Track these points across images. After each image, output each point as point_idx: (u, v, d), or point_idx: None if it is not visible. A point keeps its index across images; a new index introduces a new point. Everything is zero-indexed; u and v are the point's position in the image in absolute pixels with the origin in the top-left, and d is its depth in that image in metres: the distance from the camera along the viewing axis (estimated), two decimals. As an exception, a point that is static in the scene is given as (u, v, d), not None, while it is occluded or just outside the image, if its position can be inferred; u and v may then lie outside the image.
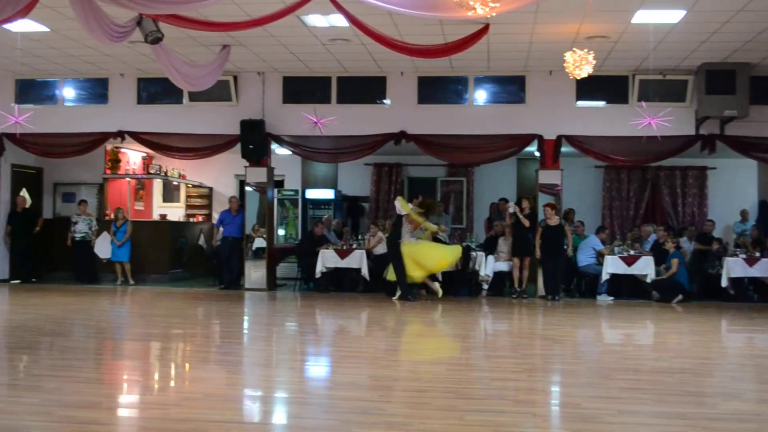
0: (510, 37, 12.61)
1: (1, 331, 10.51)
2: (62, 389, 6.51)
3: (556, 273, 14.42)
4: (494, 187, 18.89)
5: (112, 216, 16.94)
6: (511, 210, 14.95)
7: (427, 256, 13.98)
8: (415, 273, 13.93)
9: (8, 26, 11.34)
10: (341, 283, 15.62)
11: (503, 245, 14.92)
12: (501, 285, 15.12)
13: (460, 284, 14.99)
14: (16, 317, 11.66)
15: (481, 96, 15.51)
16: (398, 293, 13.95)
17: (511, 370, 7.86)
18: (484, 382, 7.36)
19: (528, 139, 15.17)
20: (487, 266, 14.79)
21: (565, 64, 11.28)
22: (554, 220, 14.32)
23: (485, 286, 14.86)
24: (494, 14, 8.00)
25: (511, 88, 15.47)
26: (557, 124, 15.00)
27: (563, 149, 15.16)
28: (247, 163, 15.73)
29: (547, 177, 15.15)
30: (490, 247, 15.17)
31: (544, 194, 15.10)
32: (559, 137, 14.99)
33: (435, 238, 14.73)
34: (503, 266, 14.89)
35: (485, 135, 15.22)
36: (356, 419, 5.74)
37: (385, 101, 15.53)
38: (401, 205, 14.13)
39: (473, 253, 14.85)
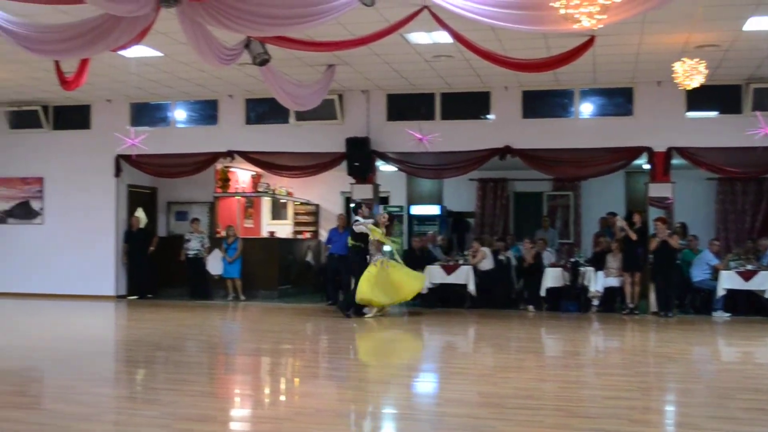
0: (616, 48, 12.38)
1: (121, 345, 10.90)
2: (179, 402, 6.70)
3: (668, 288, 14.03)
4: (602, 201, 18.52)
5: (223, 233, 17.37)
6: (619, 224, 14.65)
7: (395, 285, 13.60)
8: (380, 299, 13.52)
9: (123, 52, 11.78)
10: (448, 299, 15.57)
11: (612, 260, 14.61)
12: (611, 301, 14.80)
13: (568, 300, 14.76)
14: (134, 332, 12.06)
15: (587, 109, 15.27)
16: (370, 311, 13.68)
17: (624, 388, 7.67)
18: (596, 400, 7.21)
19: (637, 151, 14.84)
20: (597, 282, 14.51)
21: (674, 75, 11.00)
22: (665, 235, 13.95)
23: (595, 302, 14.58)
24: (601, 26, 7.86)
25: (618, 100, 15.17)
26: (667, 136, 14.62)
27: (674, 161, 14.76)
28: (353, 180, 15.88)
29: (657, 190, 14.77)
30: (598, 263, 14.87)
31: (655, 208, 14.73)
32: (670, 149, 14.60)
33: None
34: (613, 282, 14.58)
35: (592, 148, 14.96)
36: (467, 436, 5.70)
37: (489, 116, 15.46)
38: (373, 233, 13.79)
39: (582, 269, 14.60)
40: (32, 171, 17.35)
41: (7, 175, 17.46)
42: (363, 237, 13.88)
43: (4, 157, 17.44)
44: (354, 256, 14.01)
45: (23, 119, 17.16)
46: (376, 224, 13.85)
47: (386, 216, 14.54)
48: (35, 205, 17.34)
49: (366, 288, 13.38)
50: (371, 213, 14.37)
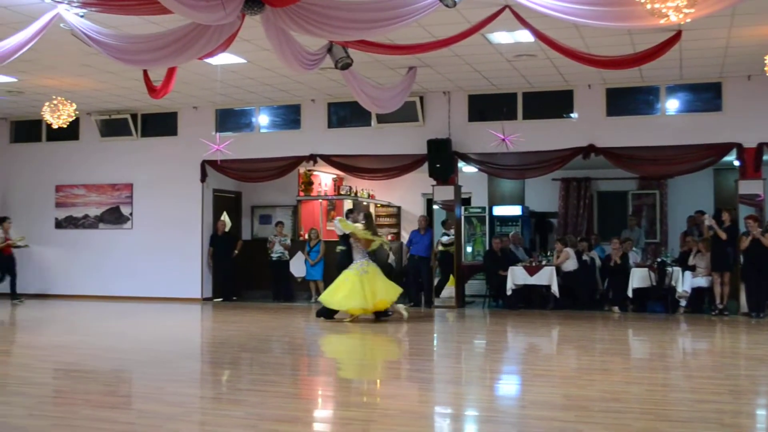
0: (704, 42, 12.07)
1: (207, 347, 11.12)
2: (265, 403, 6.80)
3: (760, 289, 13.62)
4: (689, 199, 18.08)
5: (306, 236, 17.56)
6: (707, 223, 14.28)
7: (370, 293, 12.96)
8: (351, 305, 12.96)
9: (209, 60, 12.04)
10: (531, 300, 15.43)
11: (701, 260, 14.25)
12: (700, 301, 14.44)
13: (655, 301, 14.46)
14: (220, 333, 12.30)
15: (673, 105, 14.92)
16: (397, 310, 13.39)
17: (714, 391, 7.48)
18: (685, 403, 7.04)
19: (726, 148, 14.43)
20: (685, 282, 14.17)
21: (766, 68, 10.68)
22: (757, 233, 13.53)
23: (683, 303, 14.24)
24: (688, 20, 7.69)
25: (705, 95, 14.77)
26: (758, 132, 14.17)
27: (765, 158, 14.32)
28: (435, 182, 15.88)
29: (747, 187, 14.33)
30: (686, 262, 14.52)
31: (745, 206, 14.31)
32: (761, 145, 14.15)
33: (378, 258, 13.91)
34: (701, 282, 14.22)
35: (679, 146, 14.61)
36: (552, 439, 5.64)
37: (572, 115, 15.26)
38: (342, 225, 13.57)
39: (669, 269, 14.29)
40: (122, 177, 17.86)
41: (99, 181, 18.02)
42: (346, 239, 13.67)
43: (95, 164, 18.01)
44: (341, 259, 13.82)
45: (113, 127, 17.69)
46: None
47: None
48: (125, 210, 17.84)
49: (340, 295, 13.02)
50: (364, 216, 13.97)
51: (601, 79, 14.57)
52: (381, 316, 13.35)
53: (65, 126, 14.02)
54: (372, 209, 20.80)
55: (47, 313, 15.03)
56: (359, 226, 13.42)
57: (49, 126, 14.38)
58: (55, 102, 13.52)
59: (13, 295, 16.74)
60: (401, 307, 13.60)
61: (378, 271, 13.33)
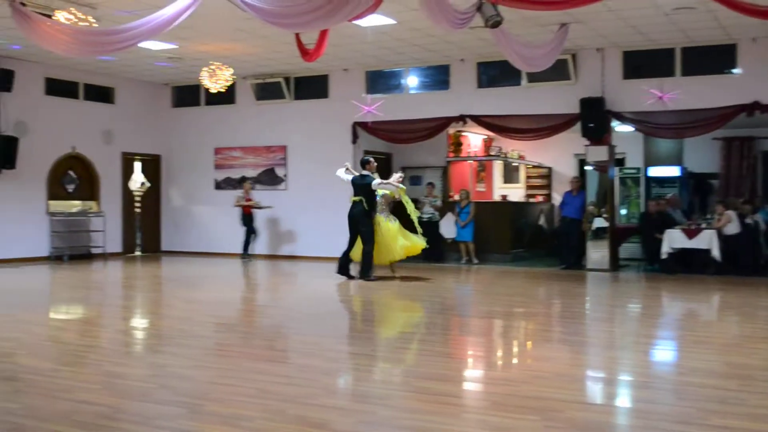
0: None
1: (360, 306, 11.34)
2: (417, 362, 6.88)
3: None
4: None
5: (456, 197, 17.56)
6: None
7: (394, 243, 13.29)
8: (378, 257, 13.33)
9: (359, 22, 12.12)
10: (689, 264, 14.86)
11: None
12: None
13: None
14: (373, 293, 12.49)
15: None
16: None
17: None
18: None
19: None
20: None
21: None
22: None
23: None
24: None
25: None
26: None
27: None
28: (587, 142, 15.49)
29: None
30: None
31: None
32: None
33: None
34: None
35: None
36: (714, 408, 5.43)
37: (734, 70, 14.48)
38: (402, 193, 13.47)
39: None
40: (276, 139, 18.37)
41: (254, 143, 18.61)
42: (369, 193, 13.33)
43: (251, 127, 18.60)
44: (363, 217, 13.31)
45: (267, 91, 18.19)
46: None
47: (401, 176, 13.99)
48: (279, 171, 18.36)
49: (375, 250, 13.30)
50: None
51: (766, 32, 13.74)
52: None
53: (223, 90, 14.54)
54: (522, 170, 20.58)
55: (208, 271, 15.71)
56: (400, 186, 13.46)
57: (207, 90, 14.96)
58: (212, 67, 14.02)
59: (244, 254, 17.56)
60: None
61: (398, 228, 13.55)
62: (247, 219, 17.61)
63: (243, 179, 18.22)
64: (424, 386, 5.95)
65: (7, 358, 7.14)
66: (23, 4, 9.53)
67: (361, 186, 13.36)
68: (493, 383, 6.40)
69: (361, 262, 13.41)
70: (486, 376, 6.75)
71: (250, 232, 17.66)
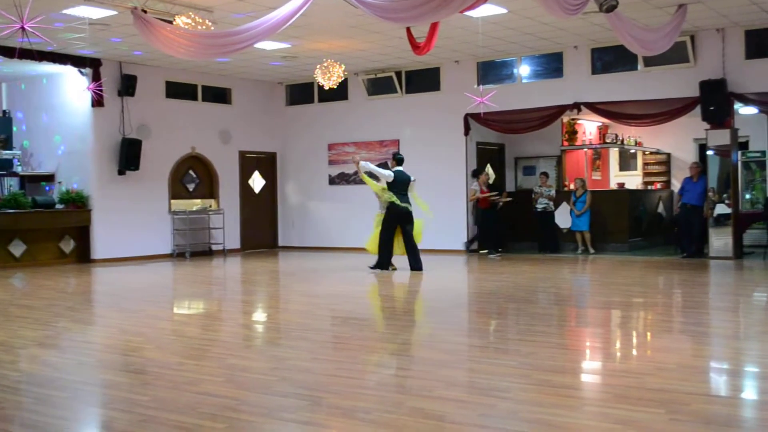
0: None
1: (474, 297, 11.32)
2: (536, 354, 6.80)
3: None
4: None
5: (572, 186, 17.28)
6: None
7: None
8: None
9: (470, 13, 12.06)
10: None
11: None
12: None
13: None
14: (486, 284, 12.44)
15: None
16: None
17: None
18: None
19: None
20: None
21: None
22: None
23: None
24: None
25: None
26: None
27: None
28: (708, 126, 14.97)
29: None
30: None
31: None
32: None
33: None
34: None
35: None
36: None
37: None
38: (367, 182, 14.25)
39: None
40: (389, 134, 18.49)
41: (367, 138, 18.79)
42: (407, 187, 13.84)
43: (363, 122, 18.79)
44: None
45: (379, 86, 18.33)
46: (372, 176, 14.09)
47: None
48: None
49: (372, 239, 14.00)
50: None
51: None
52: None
53: (335, 87, 14.72)
54: (639, 157, 20.06)
55: (325, 265, 15.96)
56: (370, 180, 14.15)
57: (320, 87, 15.17)
58: (325, 64, 14.21)
59: (481, 246, 17.20)
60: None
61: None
62: (487, 214, 16.94)
63: (478, 171, 17.46)
64: (544, 378, 5.89)
65: (135, 352, 7.45)
66: (144, 12, 9.90)
67: (404, 181, 13.91)
68: (614, 375, 6.27)
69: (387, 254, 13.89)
70: (606, 367, 6.63)
71: (490, 227, 16.93)
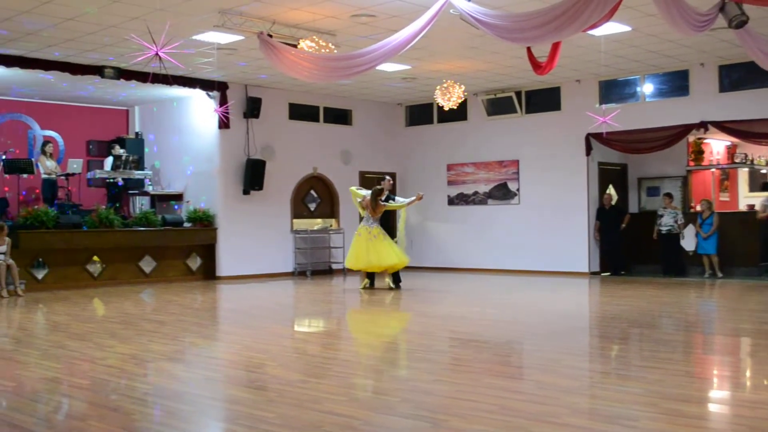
0: None
1: (597, 321, 11.08)
2: (663, 381, 6.60)
3: None
4: None
5: (698, 208, 16.75)
6: None
7: (378, 255, 14.30)
8: (361, 266, 14.59)
9: (593, 32, 11.90)
10: None
11: None
12: None
13: None
14: (609, 308, 12.17)
15: None
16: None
17: None
18: None
19: None
20: None
21: None
22: None
23: None
24: None
25: None
26: None
27: None
28: None
29: None
30: None
31: None
32: None
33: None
34: None
35: None
36: None
37: None
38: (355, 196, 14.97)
39: None
40: (508, 154, 18.39)
41: (486, 159, 18.74)
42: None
43: (482, 142, 18.75)
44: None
45: (499, 106, 18.27)
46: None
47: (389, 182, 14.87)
48: (512, 186, 18.35)
49: (358, 258, 14.45)
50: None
51: None
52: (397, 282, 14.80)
53: (455, 107, 14.76)
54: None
55: (444, 285, 15.95)
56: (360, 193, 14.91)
57: (439, 108, 15.25)
58: (445, 85, 14.28)
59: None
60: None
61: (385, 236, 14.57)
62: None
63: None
64: (672, 407, 5.71)
65: (259, 368, 7.62)
66: (270, 36, 10.19)
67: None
68: (745, 406, 6.02)
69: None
70: (736, 397, 6.37)
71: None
